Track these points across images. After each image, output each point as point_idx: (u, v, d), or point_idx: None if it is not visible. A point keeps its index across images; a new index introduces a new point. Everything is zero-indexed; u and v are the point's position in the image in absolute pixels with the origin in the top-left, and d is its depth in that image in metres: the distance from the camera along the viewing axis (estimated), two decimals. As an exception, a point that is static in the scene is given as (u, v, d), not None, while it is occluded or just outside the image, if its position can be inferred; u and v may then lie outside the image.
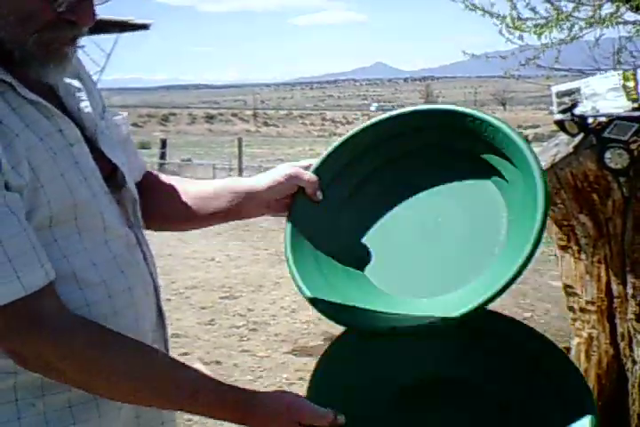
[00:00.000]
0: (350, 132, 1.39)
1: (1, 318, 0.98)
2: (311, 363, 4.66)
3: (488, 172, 1.27)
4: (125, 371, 1.05)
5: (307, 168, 1.39)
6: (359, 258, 1.31)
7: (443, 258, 1.25)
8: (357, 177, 1.38)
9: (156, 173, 1.43)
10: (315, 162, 1.39)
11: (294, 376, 4.38)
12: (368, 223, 1.35)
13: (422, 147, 1.35)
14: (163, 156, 22.70)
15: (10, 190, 0.99)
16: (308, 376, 4.26)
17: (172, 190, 1.39)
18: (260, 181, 1.37)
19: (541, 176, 1.15)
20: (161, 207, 1.38)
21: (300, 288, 1.27)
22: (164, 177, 1.42)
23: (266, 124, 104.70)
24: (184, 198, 1.38)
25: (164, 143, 23.56)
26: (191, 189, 1.40)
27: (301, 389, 4.33)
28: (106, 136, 1.20)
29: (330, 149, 1.38)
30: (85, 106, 1.19)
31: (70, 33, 1.08)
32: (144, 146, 34.18)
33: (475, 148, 1.28)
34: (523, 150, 1.18)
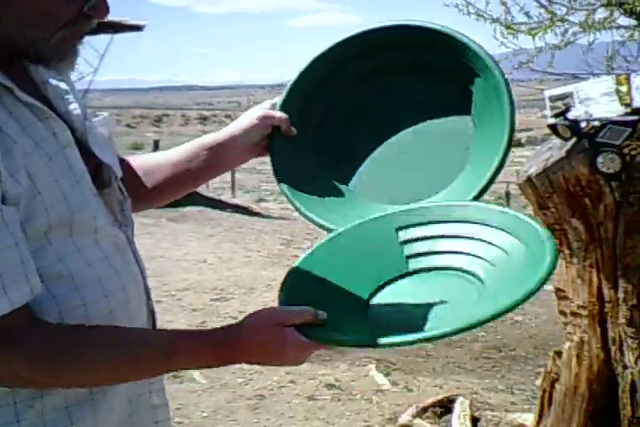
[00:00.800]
0: (311, 58, 1.43)
1: None
2: (302, 366, 4.65)
3: (457, 87, 1.31)
4: (103, 361, 1.06)
5: (273, 107, 1.46)
6: (345, 176, 1.37)
7: (420, 169, 1.30)
8: (325, 101, 1.42)
9: (125, 158, 1.44)
10: (278, 99, 1.45)
11: (285, 379, 4.37)
12: (346, 143, 1.39)
13: (390, 64, 1.38)
14: (155, 157, 22.69)
15: (7, 200, 0.98)
16: (299, 379, 4.26)
17: (147, 168, 1.42)
18: (233, 128, 1.43)
19: (501, 75, 1.20)
20: (143, 188, 1.40)
21: (297, 208, 1.34)
22: (132, 160, 1.44)
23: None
24: (162, 172, 1.41)
25: (156, 144, 23.50)
26: (163, 159, 1.44)
27: (293, 391, 4.32)
28: (93, 136, 1.20)
29: (291, 81, 1.43)
30: (74, 107, 1.18)
31: (86, 28, 1.10)
32: (137, 147, 34.14)
33: (442, 63, 1.32)
34: (482, 56, 1.23)
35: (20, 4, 1.03)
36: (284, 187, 1.36)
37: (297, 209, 1.33)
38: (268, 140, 1.42)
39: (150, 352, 1.08)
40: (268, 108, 1.46)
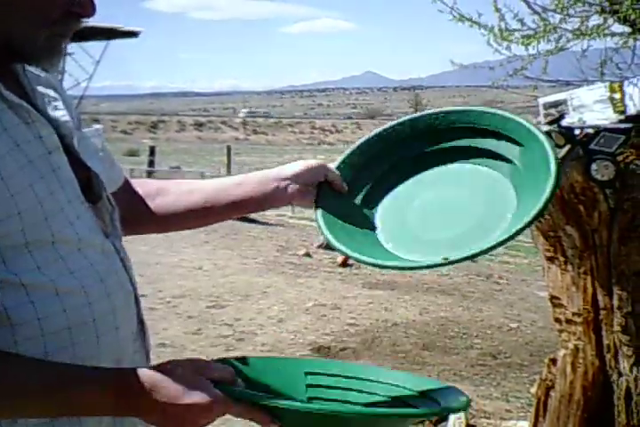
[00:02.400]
0: (369, 135, 1.47)
1: None
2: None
3: (494, 158, 1.34)
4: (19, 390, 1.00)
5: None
6: (384, 232, 1.36)
7: (460, 228, 1.30)
8: (377, 171, 1.43)
9: (155, 181, 1.43)
10: (338, 159, 1.43)
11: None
12: (389, 205, 1.40)
13: (445, 146, 1.41)
14: (151, 163, 22.65)
15: None
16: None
17: (184, 188, 1.41)
18: (286, 168, 1.39)
19: (546, 139, 1.23)
20: (176, 206, 1.38)
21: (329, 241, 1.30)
22: (170, 182, 1.43)
23: (255, 131, 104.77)
24: (201, 193, 1.39)
25: (152, 151, 23.52)
26: (209, 183, 1.42)
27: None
28: (83, 146, 1.19)
29: (352, 147, 1.45)
30: (62, 115, 1.18)
31: (75, 26, 1.10)
32: (133, 153, 34.14)
33: (489, 144, 1.36)
34: (524, 125, 1.28)
35: (9, 0, 1.04)
36: (329, 236, 1.31)
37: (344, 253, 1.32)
38: (316, 189, 1.39)
39: (41, 396, 1.01)
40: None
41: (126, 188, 1.38)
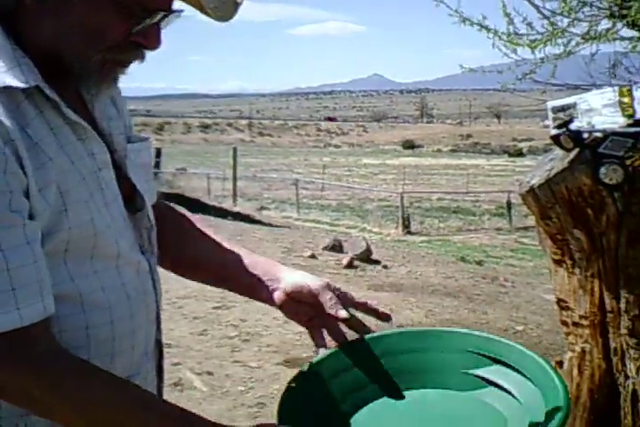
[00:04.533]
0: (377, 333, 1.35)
1: None
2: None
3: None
4: (102, 407, 1.00)
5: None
6: None
7: None
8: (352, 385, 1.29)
9: (189, 216, 1.40)
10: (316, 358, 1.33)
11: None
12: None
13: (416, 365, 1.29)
14: (157, 165, 22.70)
15: (33, 216, 0.98)
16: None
17: (210, 242, 1.37)
18: (291, 276, 1.33)
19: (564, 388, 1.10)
20: (184, 251, 1.37)
21: None
22: (205, 229, 1.40)
23: (261, 134, 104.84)
24: (221, 256, 1.36)
25: (158, 152, 23.57)
26: (229, 253, 1.37)
27: (293, 400, 4.32)
28: (131, 161, 1.18)
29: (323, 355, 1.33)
30: (117, 129, 1.17)
31: (133, 56, 1.07)
32: (139, 155, 34.14)
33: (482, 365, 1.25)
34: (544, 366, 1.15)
35: (70, 14, 1.01)
36: None
37: None
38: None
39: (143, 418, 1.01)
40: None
41: (156, 205, 1.34)
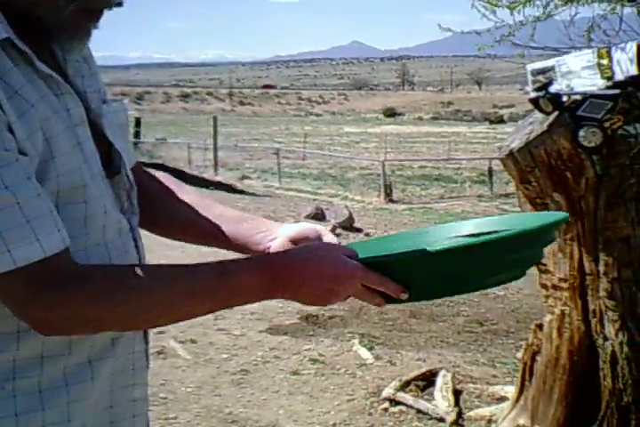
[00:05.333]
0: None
1: (22, 283, 0.95)
2: (286, 341, 4.68)
3: None
4: (160, 289, 1.03)
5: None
6: None
7: None
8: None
9: (160, 176, 1.39)
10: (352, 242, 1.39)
11: (270, 354, 4.39)
12: None
13: None
14: (137, 134, 22.52)
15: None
16: (283, 355, 4.27)
17: (188, 200, 1.37)
18: (291, 225, 1.33)
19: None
20: (172, 214, 1.36)
21: None
22: (176, 185, 1.39)
23: (241, 103, 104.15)
24: (205, 213, 1.35)
25: (138, 122, 23.37)
26: (216, 207, 1.38)
27: (277, 366, 4.34)
28: (108, 120, 1.17)
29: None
30: (91, 87, 1.16)
31: (102, 5, 1.07)
32: (118, 124, 33.86)
33: None
34: None
35: None
36: None
37: None
38: None
39: (206, 274, 1.08)
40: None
41: (136, 172, 1.31)
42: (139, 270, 1.03)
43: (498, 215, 1.35)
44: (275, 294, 1.07)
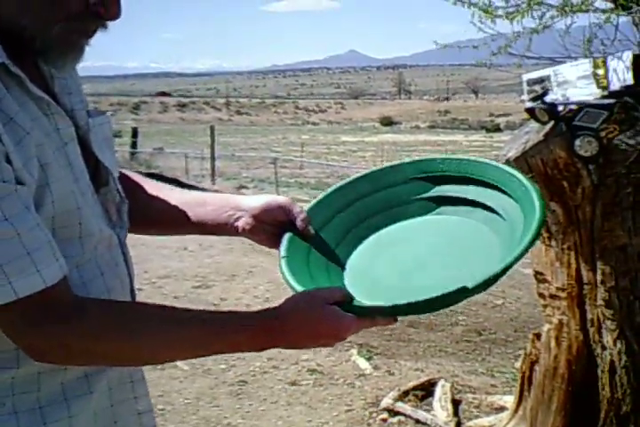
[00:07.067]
0: (344, 181, 1.44)
1: (19, 313, 0.97)
2: (284, 352, 4.67)
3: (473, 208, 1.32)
4: (156, 334, 1.05)
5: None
6: (353, 282, 1.29)
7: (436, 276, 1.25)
8: (347, 224, 1.38)
9: (128, 173, 1.39)
10: (308, 205, 1.38)
11: (268, 365, 4.38)
12: (357, 257, 1.35)
13: (412, 196, 1.38)
14: (134, 145, 22.51)
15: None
16: (281, 365, 4.26)
17: (153, 193, 1.37)
18: (246, 200, 1.34)
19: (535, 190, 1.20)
20: (142, 210, 1.34)
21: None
22: (142, 181, 1.39)
23: (238, 112, 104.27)
24: (169, 202, 1.36)
25: (135, 132, 23.37)
26: (174, 194, 1.38)
27: (275, 377, 4.32)
28: (95, 135, 1.17)
29: (324, 194, 1.40)
30: (77, 104, 1.16)
31: (94, 25, 1.06)
32: (115, 135, 33.89)
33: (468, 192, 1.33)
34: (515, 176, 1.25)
35: None
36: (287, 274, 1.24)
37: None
38: (277, 230, 1.33)
39: (203, 329, 1.08)
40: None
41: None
42: (136, 312, 1.07)
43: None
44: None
